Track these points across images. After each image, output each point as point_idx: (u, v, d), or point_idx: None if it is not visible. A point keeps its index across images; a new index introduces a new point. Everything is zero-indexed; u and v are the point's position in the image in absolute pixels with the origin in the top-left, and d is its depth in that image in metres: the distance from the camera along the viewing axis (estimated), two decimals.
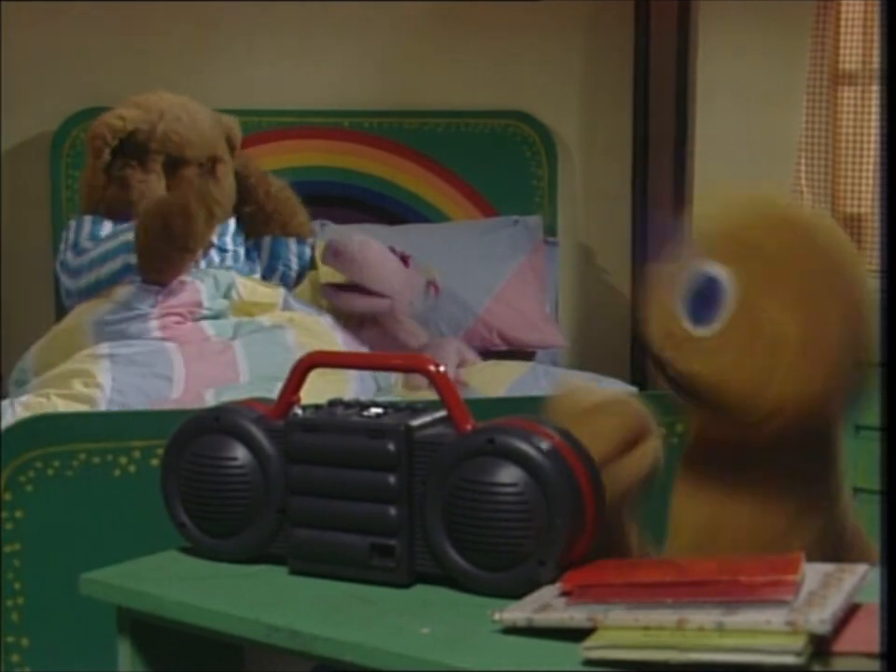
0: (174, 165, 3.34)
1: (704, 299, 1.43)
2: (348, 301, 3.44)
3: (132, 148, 3.31)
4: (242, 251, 3.43)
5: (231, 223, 3.42)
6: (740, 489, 1.48)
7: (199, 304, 3.11)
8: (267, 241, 3.45)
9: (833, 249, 1.45)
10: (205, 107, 3.47)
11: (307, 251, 3.50)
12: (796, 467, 1.49)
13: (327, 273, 3.56)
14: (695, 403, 1.48)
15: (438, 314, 3.63)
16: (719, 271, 1.43)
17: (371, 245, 3.48)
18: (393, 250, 3.53)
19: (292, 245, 3.46)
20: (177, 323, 3.05)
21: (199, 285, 3.16)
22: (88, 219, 3.29)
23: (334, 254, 3.45)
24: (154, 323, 3.02)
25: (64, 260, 3.23)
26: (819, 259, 1.43)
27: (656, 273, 1.50)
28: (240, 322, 3.11)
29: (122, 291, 3.10)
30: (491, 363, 3.44)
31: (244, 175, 3.46)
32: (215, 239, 3.35)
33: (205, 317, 3.12)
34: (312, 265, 3.55)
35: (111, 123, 3.30)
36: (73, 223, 3.32)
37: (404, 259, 3.54)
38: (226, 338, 3.06)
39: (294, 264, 3.46)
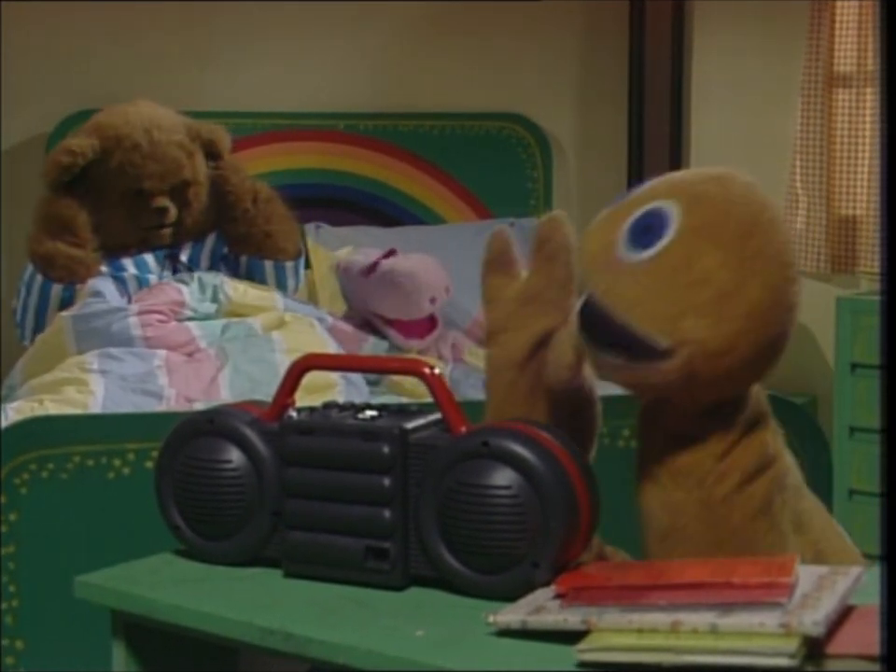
0: (136, 194, 3.24)
1: (647, 227, 1.43)
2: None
3: (87, 180, 3.22)
4: (222, 266, 3.36)
5: (208, 242, 3.35)
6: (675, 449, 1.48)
7: (181, 304, 3.08)
8: (244, 260, 3.36)
9: (771, 220, 1.46)
10: (183, 120, 3.34)
11: (287, 274, 3.38)
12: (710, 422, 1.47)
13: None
14: (601, 334, 1.44)
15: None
16: (666, 204, 1.44)
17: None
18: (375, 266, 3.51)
19: (268, 267, 3.34)
20: (160, 322, 3.03)
21: (181, 287, 3.13)
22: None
23: (447, 291, 3.45)
24: (134, 320, 2.99)
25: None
26: (760, 224, 1.44)
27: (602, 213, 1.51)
28: (228, 324, 3.08)
29: (88, 285, 3.11)
30: None
31: (222, 192, 3.32)
32: (185, 259, 3.30)
33: (192, 318, 3.10)
34: (296, 288, 3.47)
35: (60, 160, 3.20)
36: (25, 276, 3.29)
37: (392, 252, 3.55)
38: (213, 339, 3.04)
39: (271, 287, 3.34)
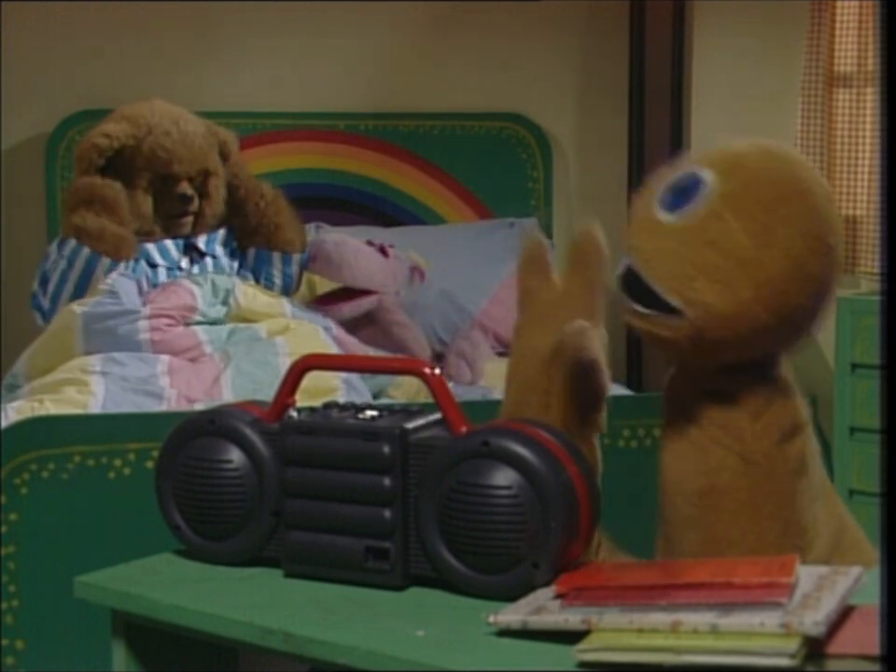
0: (163, 181, 3.35)
1: (682, 190, 1.50)
2: (337, 310, 3.44)
3: (118, 166, 3.31)
4: (234, 261, 3.45)
5: (220, 234, 3.44)
6: (708, 415, 1.52)
7: (192, 309, 3.10)
8: (252, 252, 3.47)
9: (804, 192, 1.50)
10: (200, 119, 3.46)
11: (293, 267, 3.49)
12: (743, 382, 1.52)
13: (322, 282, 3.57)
14: (632, 287, 1.51)
15: (434, 315, 3.63)
16: (704, 172, 1.50)
17: (347, 243, 3.49)
18: (370, 243, 3.54)
19: (276, 259, 3.46)
20: (169, 325, 3.04)
21: (194, 289, 3.16)
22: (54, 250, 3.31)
23: (311, 258, 3.47)
24: (144, 324, 3.01)
25: (38, 303, 3.31)
26: (789, 195, 1.49)
27: (651, 175, 1.58)
28: (234, 329, 3.10)
29: (108, 281, 3.13)
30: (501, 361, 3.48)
31: (234, 187, 3.46)
32: (203, 246, 3.39)
33: (200, 322, 3.11)
34: (300, 281, 3.55)
35: (97, 143, 3.30)
36: (49, 251, 3.33)
37: (383, 251, 3.54)
38: (219, 344, 3.04)
39: (277, 278, 3.46)
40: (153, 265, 3.31)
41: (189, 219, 3.39)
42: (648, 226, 1.51)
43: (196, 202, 3.38)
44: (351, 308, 3.45)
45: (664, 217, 1.49)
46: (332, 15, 3.94)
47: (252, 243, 3.46)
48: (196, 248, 3.39)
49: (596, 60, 4.09)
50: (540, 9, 4.03)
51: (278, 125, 3.89)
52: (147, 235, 3.33)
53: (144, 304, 3.11)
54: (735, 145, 1.55)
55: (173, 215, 3.37)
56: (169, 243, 3.35)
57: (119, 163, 3.32)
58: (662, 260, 1.48)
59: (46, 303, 3.27)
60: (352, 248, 3.48)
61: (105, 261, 3.20)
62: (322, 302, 3.46)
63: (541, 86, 4.09)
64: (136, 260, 3.27)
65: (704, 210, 1.47)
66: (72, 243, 3.23)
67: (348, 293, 3.47)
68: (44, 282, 3.29)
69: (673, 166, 1.55)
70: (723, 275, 1.45)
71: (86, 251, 3.21)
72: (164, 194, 3.36)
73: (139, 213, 3.31)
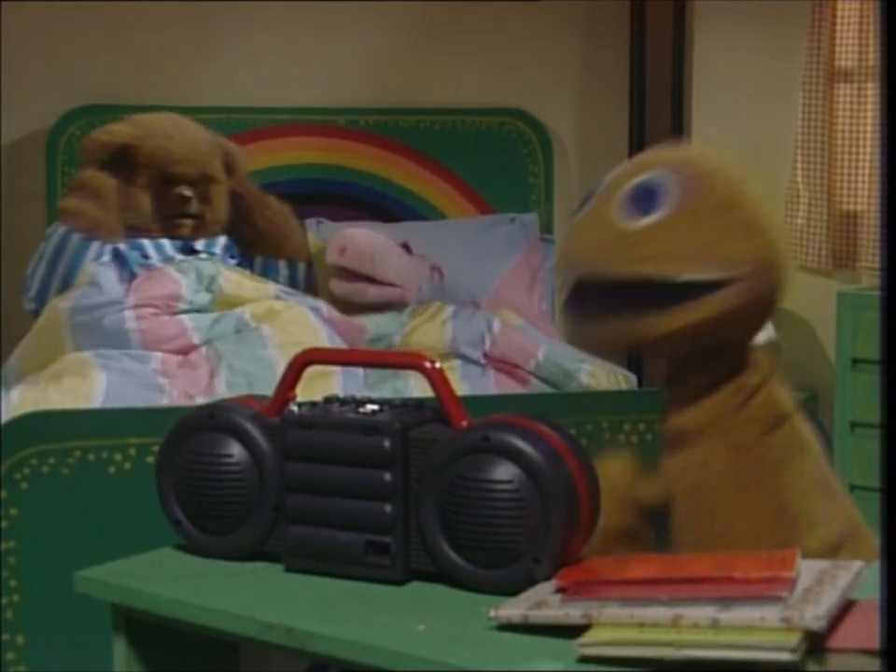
0: (164, 181, 3.39)
1: (644, 195, 1.51)
2: (362, 290, 3.50)
3: (119, 162, 3.39)
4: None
5: (221, 240, 3.45)
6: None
7: (177, 297, 3.11)
8: (258, 261, 3.53)
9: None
10: (208, 131, 3.52)
11: (299, 274, 3.57)
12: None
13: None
14: (610, 304, 1.50)
15: None
16: (656, 173, 1.53)
17: (377, 237, 3.54)
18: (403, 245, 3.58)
19: (282, 267, 3.53)
20: (154, 315, 3.05)
21: (179, 277, 3.16)
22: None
23: (340, 250, 3.50)
24: (129, 314, 3.02)
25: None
26: (740, 177, 1.55)
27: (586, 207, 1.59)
28: (220, 317, 3.10)
29: (88, 271, 3.16)
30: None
31: (240, 196, 3.52)
32: (201, 248, 3.41)
33: (186, 311, 3.11)
34: (307, 288, 3.59)
35: (100, 139, 3.40)
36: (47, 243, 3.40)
37: (407, 248, 3.59)
38: (205, 332, 3.05)
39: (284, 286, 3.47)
40: (146, 257, 3.31)
41: (189, 222, 3.41)
42: (624, 238, 1.50)
43: (195, 204, 3.41)
44: (378, 293, 3.50)
45: (637, 222, 1.50)
46: (333, 10, 3.94)
47: (259, 251, 3.53)
48: (194, 251, 3.40)
49: (597, 57, 4.09)
50: (542, 7, 4.03)
51: (278, 120, 3.89)
52: (144, 232, 3.36)
53: (128, 293, 3.12)
54: (661, 150, 1.61)
55: (171, 215, 3.40)
56: (166, 241, 3.36)
57: (121, 160, 3.38)
58: (674, 251, 1.48)
59: (31, 285, 3.35)
60: (382, 243, 3.54)
61: (76, 239, 3.28)
62: (346, 280, 3.50)
63: (542, 82, 4.09)
64: (129, 250, 3.29)
65: (688, 197, 1.49)
66: (54, 225, 3.34)
67: (372, 281, 3.52)
68: (32, 270, 3.38)
69: (600, 192, 1.57)
70: (733, 230, 1.48)
71: (61, 228, 3.30)
72: (164, 194, 3.39)
73: (136, 208, 3.36)
